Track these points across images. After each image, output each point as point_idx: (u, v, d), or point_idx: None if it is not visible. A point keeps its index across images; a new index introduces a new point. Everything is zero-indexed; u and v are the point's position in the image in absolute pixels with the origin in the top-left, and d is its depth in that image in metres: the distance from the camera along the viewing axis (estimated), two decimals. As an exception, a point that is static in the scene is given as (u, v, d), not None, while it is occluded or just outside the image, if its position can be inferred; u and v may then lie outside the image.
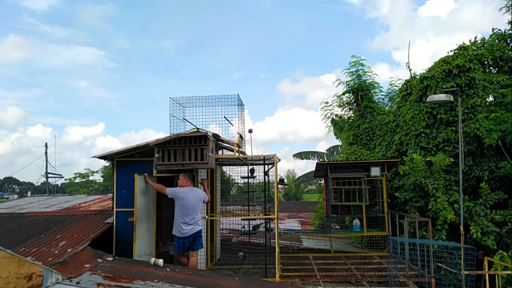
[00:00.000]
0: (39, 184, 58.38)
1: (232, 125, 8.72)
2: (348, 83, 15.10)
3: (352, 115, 15.48)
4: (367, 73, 14.90)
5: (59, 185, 52.90)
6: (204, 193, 7.65)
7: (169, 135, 7.77)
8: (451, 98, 9.72)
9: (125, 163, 8.21)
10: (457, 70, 10.76)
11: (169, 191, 7.36)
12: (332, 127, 16.99)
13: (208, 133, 7.65)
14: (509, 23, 12.75)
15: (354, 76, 14.93)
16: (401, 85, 14.12)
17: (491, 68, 12.62)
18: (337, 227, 11.92)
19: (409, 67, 14.03)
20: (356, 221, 10.96)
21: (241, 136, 8.68)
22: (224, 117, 8.66)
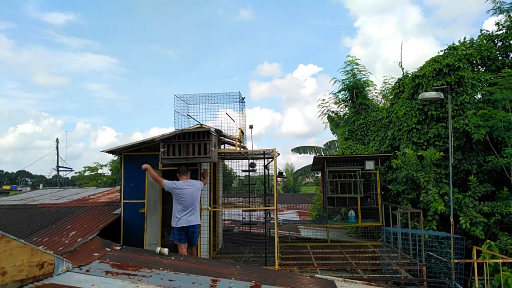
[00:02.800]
0: (50, 177, 58.32)
1: (234, 121, 8.68)
2: (343, 81, 15.06)
3: (348, 111, 15.44)
4: (361, 72, 14.86)
5: (70, 178, 52.98)
6: (201, 182, 7.40)
7: (174, 130, 7.74)
8: (441, 95, 9.68)
9: (132, 157, 8.19)
10: (447, 69, 10.73)
11: (167, 184, 7.05)
12: (328, 123, 16.92)
13: (211, 128, 7.61)
14: (496, 24, 12.72)
15: (349, 75, 14.88)
16: (394, 83, 14.10)
17: (479, 67, 12.60)
18: (334, 218, 11.90)
19: (401, 66, 14.00)
20: (352, 212, 10.94)
21: (242, 132, 8.64)
22: (226, 113, 8.62)
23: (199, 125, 8.06)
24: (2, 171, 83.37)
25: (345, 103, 15.49)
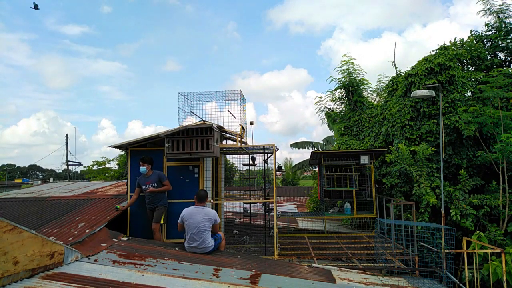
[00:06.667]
0: (60, 171, 58.27)
1: (235, 118, 8.65)
2: (339, 80, 15.00)
3: (344, 108, 15.39)
4: (357, 71, 14.79)
5: (79, 172, 52.85)
6: (215, 212, 6.51)
7: (178, 127, 7.71)
8: (433, 93, 9.65)
9: (138, 152, 8.16)
10: (438, 68, 10.69)
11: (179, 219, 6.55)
12: (326, 119, 16.85)
13: (213, 125, 7.59)
14: (486, 25, 12.66)
15: (345, 74, 14.81)
16: (387, 81, 14.05)
17: (469, 66, 12.56)
18: (331, 211, 11.88)
19: (395, 65, 13.94)
20: (347, 205, 10.93)
21: (243, 128, 8.61)
22: (228, 110, 8.59)
23: (202, 122, 8.03)
24: (14, 165, 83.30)
25: (341, 101, 15.44)
